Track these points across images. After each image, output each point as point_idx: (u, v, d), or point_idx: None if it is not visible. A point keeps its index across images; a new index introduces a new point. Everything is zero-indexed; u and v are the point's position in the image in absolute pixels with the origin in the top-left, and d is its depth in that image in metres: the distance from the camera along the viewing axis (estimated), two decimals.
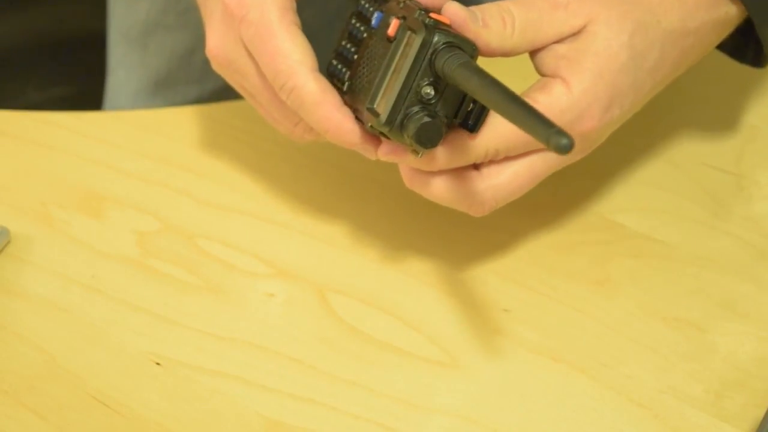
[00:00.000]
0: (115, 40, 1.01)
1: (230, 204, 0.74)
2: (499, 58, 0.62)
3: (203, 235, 0.72)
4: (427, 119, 0.59)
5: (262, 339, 0.67)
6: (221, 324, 0.67)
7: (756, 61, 0.71)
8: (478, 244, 0.71)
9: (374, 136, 0.62)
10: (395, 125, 0.59)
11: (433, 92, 0.59)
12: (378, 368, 0.65)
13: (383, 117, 0.59)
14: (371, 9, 0.63)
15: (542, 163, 0.64)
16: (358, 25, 0.63)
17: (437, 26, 0.59)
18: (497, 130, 0.61)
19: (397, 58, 0.60)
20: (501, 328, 0.67)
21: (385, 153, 0.62)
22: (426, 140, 0.59)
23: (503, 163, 0.63)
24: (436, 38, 0.58)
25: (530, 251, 0.71)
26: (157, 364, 0.65)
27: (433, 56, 0.59)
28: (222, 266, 0.70)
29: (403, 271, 0.70)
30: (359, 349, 0.66)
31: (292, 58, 0.62)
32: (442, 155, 0.61)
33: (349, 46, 0.64)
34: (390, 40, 0.60)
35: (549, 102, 0.62)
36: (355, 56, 0.63)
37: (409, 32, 0.59)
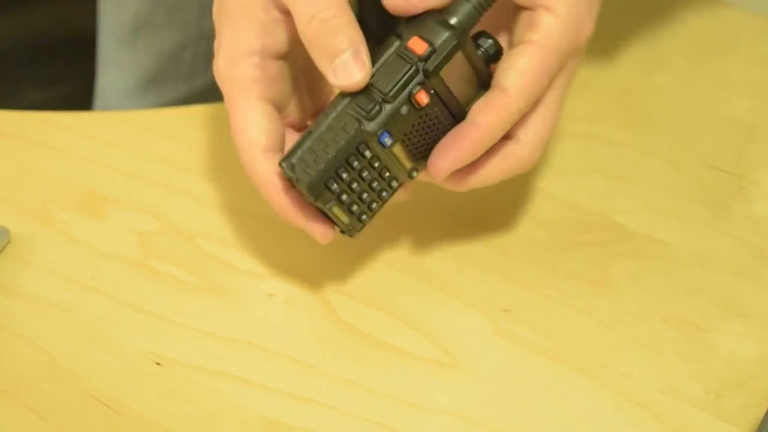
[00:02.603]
0: (106, 39, 1.01)
1: (230, 204, 0.74)
2: None
3: (203, 235, 0.72)
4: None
5: (262, 339, 0.67)
6: (221, 324, 0.67)
7: None
8: (478, 244, 0.71)
9: (319, 217, 0.63)
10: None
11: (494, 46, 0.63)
12: (378, 368, 0.65)
13: None
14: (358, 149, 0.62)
15: (555, 95, 0.64)
16: (355, 162, 0.62)
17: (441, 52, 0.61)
18: (518, 70, 0.62)
19: (460, 95, 0.63)
20: (501, 328, 0.67)
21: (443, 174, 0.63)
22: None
23: (527, 119, 0.64)
24: (467, 49, 0.61)
25: (530, 251, 0.71)
26: (157, 364, 0.65)
27: (480, 50, 0.63)
28: (222, 266, 0.70)
29: (403, 271, 0.70)
30: (359, 349, 0.66)
31: (248, 135, 0.63)
32: (485, 121, 0.62)
33: (366, 174, 0.63)
34: (427, 106, 0.62)
35: (545, 35, 0.62)
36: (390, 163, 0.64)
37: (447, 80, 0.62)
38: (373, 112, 0.61)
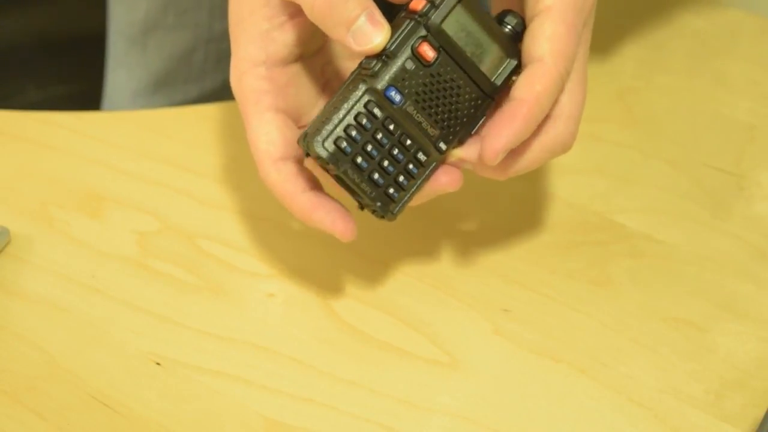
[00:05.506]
0: (115, 40, 1.01)
1: (230, 204, 0.74)
2: None
3: (203, 235, 0.72)
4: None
5: (262, 339, 0.67)
6: (221, 324, 0.67)
7: None
8: (478, 244, 0.71)
9: (339, 216, 0.63)
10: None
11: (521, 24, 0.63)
12: (378, 368, 0.65)
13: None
14: (365, 114, 0.61)
15: (578, 65, 0.64)
16: (365, 120, 0.61)
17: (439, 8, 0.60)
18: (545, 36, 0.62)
19: (479, 59, 0.62)
20: (501, 328, 0.67)
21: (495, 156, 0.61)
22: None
23: (559, 100, 0.63)
24: (470, 3, 0.61)
25: (530, 251, 0.71)
26: (157, 364, 0.65)
27: (507, 27, 0.62)
28: (222, 266, 0.70)
29: (403, 271, 0.70)
30: (359, 349, 0.66)
31: (259, 147, 0.63)
32: (537, 98, 0.61)
33: (380, 136, 0.62)
34: (437, 64, 0.61)
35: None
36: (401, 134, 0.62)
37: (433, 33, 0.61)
38: (377, 68, 0.60)
